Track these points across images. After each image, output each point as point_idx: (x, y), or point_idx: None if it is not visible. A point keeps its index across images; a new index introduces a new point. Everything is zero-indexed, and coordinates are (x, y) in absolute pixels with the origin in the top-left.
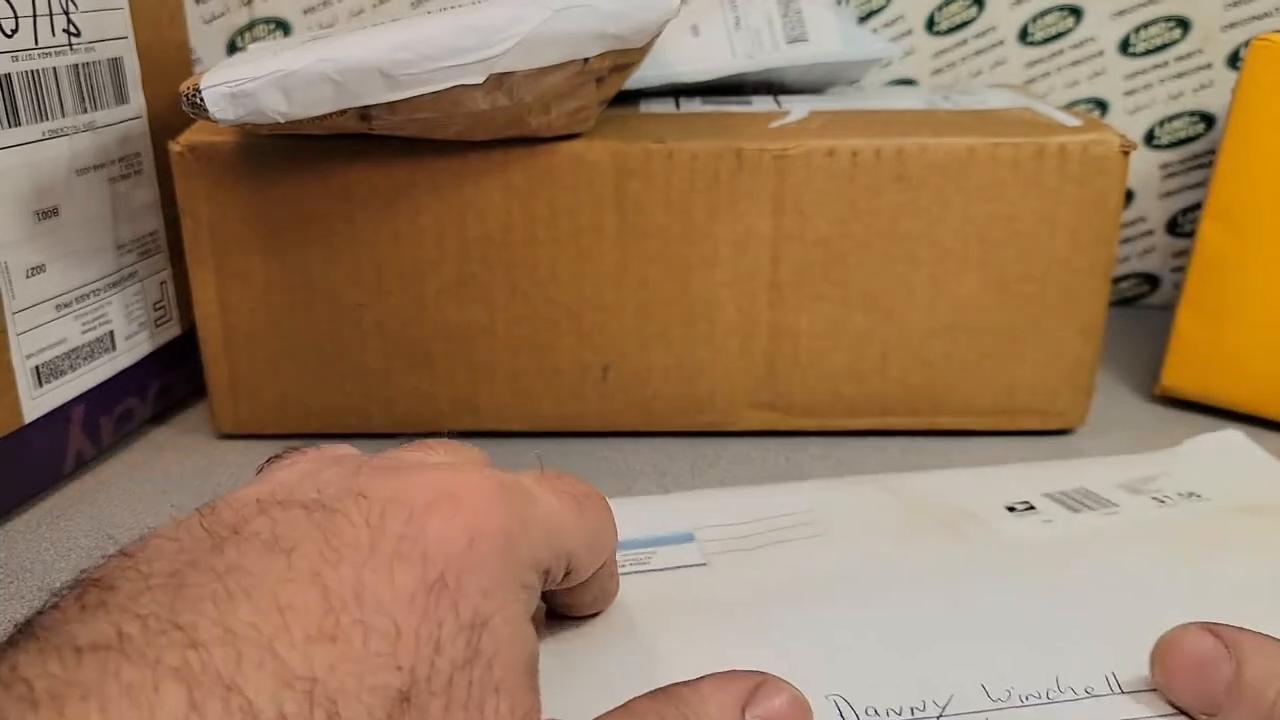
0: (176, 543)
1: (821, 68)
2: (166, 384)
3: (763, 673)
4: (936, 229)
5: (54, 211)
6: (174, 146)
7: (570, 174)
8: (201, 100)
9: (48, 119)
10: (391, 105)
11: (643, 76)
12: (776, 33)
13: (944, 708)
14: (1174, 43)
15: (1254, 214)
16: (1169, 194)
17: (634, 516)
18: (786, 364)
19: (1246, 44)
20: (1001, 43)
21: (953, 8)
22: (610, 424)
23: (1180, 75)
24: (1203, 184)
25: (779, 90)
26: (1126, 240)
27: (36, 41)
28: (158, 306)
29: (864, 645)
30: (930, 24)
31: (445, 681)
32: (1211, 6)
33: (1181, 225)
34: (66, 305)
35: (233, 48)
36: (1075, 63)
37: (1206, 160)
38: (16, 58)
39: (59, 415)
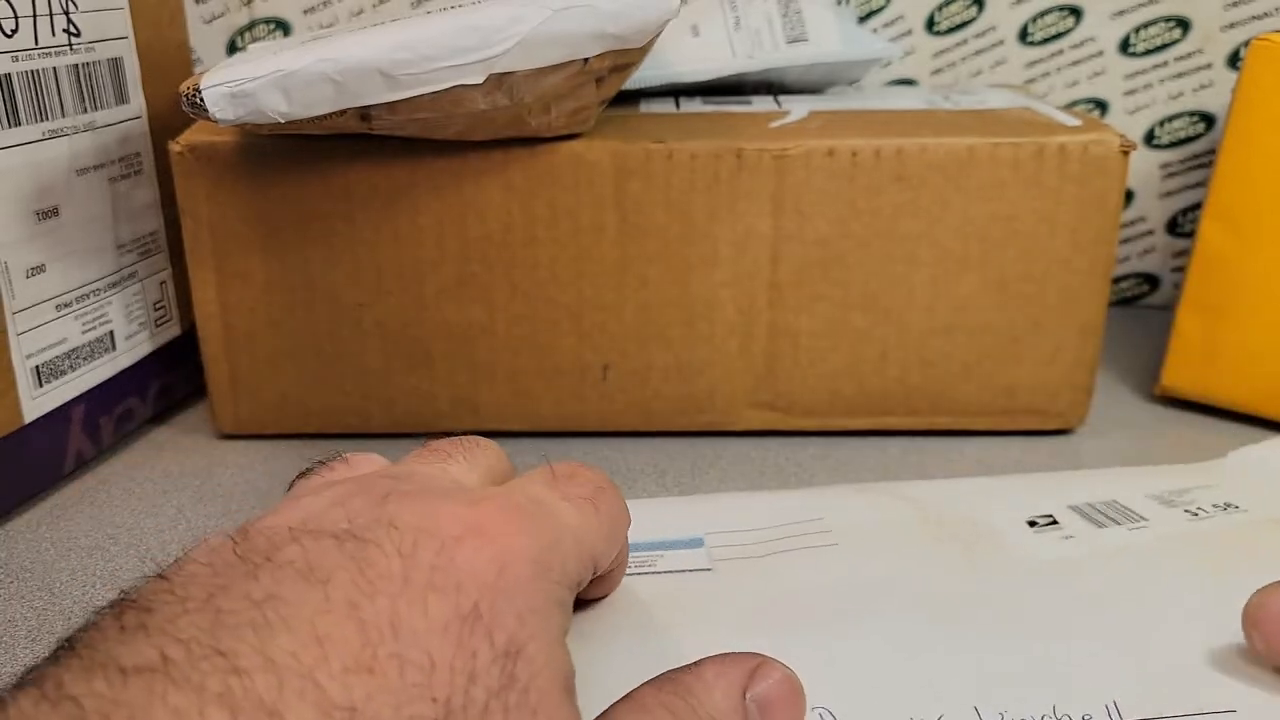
0: (210, 568)
1: (821, 68)
2: (166, 384)
3: (758, 654)
4: (936, 229)
5: (54, 211)
6: (174, 146)
7: (570, 174)
8: (201, 100)
9: (48, 119)
10: (391, 105)
11: (643, 76)
12: (776, 33)
13: None
14: (1174, 43)
15: (1254, 214)
16: (1169, 194)
17: (646, 518)
18: (786, 364)
19: (1246, 44)
20: (1001, 43)
21: (953, 8)
22: (610, 424)
23: (1180, 75)
24: (1203, 184)
25: (779, 90)
26: (1126, 240)
27: (36, 41)
28: (158, 306)
29: (858, 659)
30: (930, 24)
31: (481, 709)
32: (1211, 6)
33: (1181, 225)
34: (67, 305)
35: (233, 48)
36: (1075, 63)
37: (1206, 160)
38: (16, 58)
39: (59, 415)
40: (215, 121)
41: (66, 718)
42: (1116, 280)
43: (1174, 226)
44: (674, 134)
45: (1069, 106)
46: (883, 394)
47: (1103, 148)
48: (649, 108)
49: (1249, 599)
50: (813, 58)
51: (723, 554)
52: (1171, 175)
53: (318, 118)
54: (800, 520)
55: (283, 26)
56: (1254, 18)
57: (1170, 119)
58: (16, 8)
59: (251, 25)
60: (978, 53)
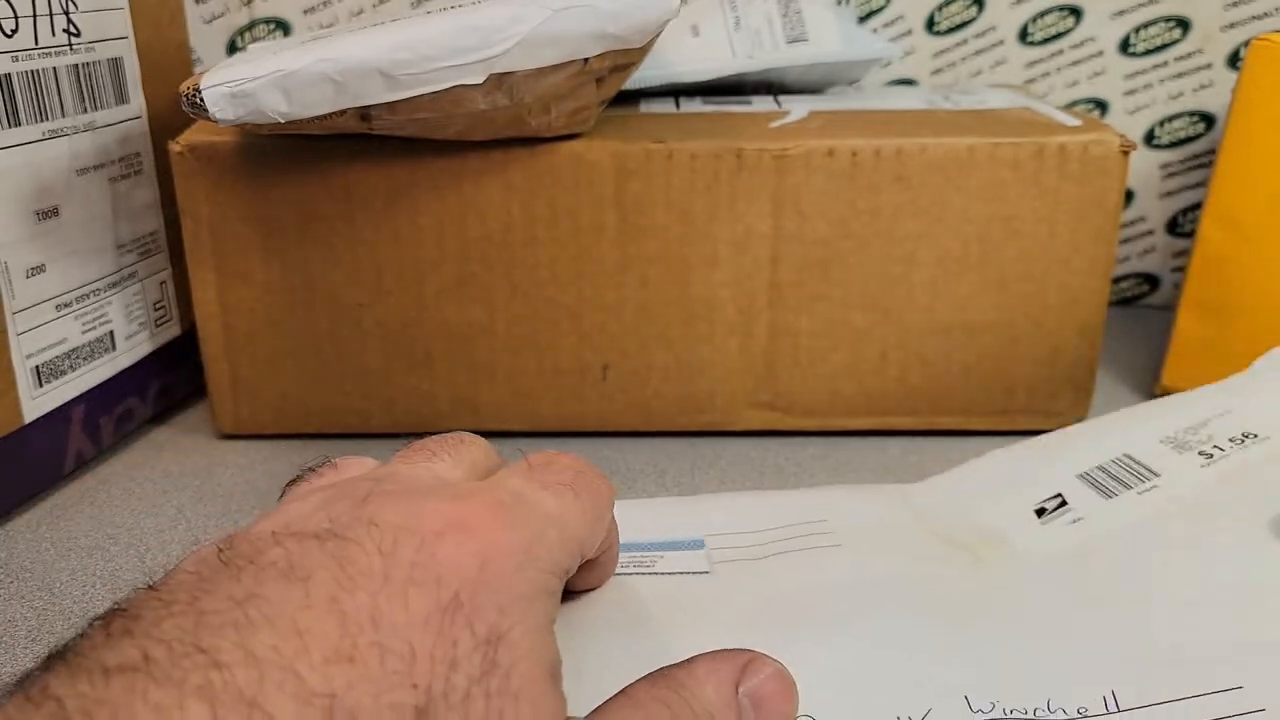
0: (196, 575)
1: (821, 68)
2: (166, 384)
3: (750, 650)
4: (936, 229)
5: (54, 211)
6: (174, 146)
7: (570, 174)
8: (201, 100)
9: (48, 119)
10: (391, 105)
11: (643, 76)
12: (776, 33)
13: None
14: (1174, 43)
15: (1254, 214)
16: (1169, 194)
17: (646, 519)
18: (786, 363)
19: (1246, 44)
20: (1001, 43)
21: (953, 8)
22: (610, 424)
23: (1180, 75)
24: (1203, 184)
25: (779, 90)
26: (1126, 240)
27: (37, 41)
28: (158, 306)
29: (849, 660)
30: (930, 24)
31: (462, 696)
32: (1211, 6)
33: (1181, 225)
34: (67, 305)
35: (233, 48)
36: (1075, 63)
37: (1206, 160)
38: (16, 58)
39: (59, 415)
40: (215, 121)
41: (49, 716)
42: (1116, 280)
43: (1174, 226)
44: (674, 134)
45: (1069, 106)
46: (882, 394)
47: (1103, 148)
48: (649, 108)
49: None
50: (813, 58)
51: (723, 555)
52: (1171, 175)
53: (318, 118)
54: (803, 521)
55: (283, 26)
56: (1254, 18)
57: (1170, 119)
58: (16, 8)
59: (251, 25)
60: (978, 53)
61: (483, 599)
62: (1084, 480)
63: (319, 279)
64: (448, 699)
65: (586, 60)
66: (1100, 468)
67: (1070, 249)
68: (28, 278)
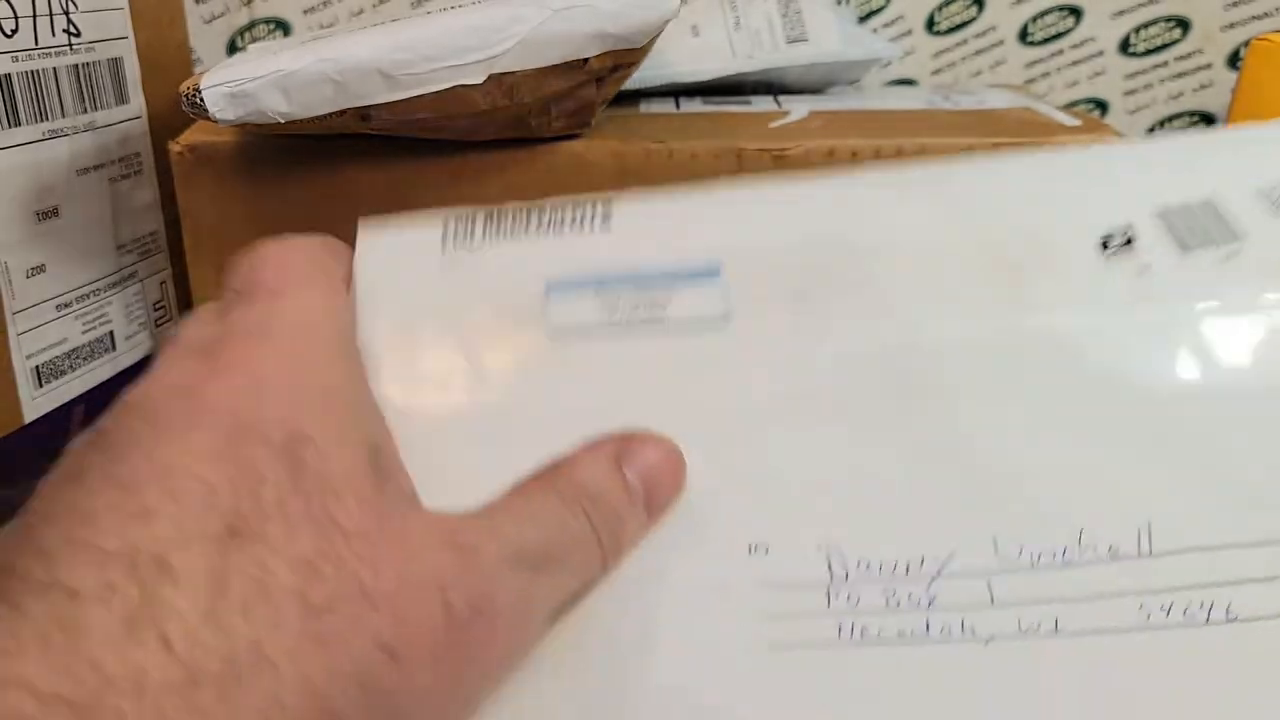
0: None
1: (821, 68)
2: None
3: (633, 430)
4: None
5: (54, 212)
6: (174, 146)
7: (570, 174)
8: (201, 100)
9: (48, 119)
10: (391, 105)
11: (643, 76)
12: (776, 33)
13: (943, 565)
14: (1174, 43)
15: None
16: None
17: (652, 232)
18: None
19: (1246, 44)
20: (1001, 43)
21: (953, 8)
22: None
23: (1180, 75)
24: None
25: (779, 90)
26: None
27: (36, 42)
28: (158, 306)
29: (874, 478)
30: (930, 24)
31: (275, 504)
32: (1211, 6)
33: None
34: (67, 305)
35: (233, 48)
36: (1075, 63)
37: None
38: (16, 58)
39: (59, 415)
40: (215, 121)
41: None
42: None
43: None
44: (674, 134)
45: (1069, 106)
46: None
47: None
48: (649, 108)
49: None
50: (813, 58)
51: (741, 290)
52: None
53: (318, 118)
54: (830, 240)
55: (283, 26)
56: (1254, 18)
57: (1170, 119)
58: (16, 8)
59: (251, 25)
60: (978, 53)
61: (268, 410)
62: (1160, 221)
63: None
64: (260, 511)
65: (586, 60)
66: (1182, 206)
67: None
68: (28, 278)
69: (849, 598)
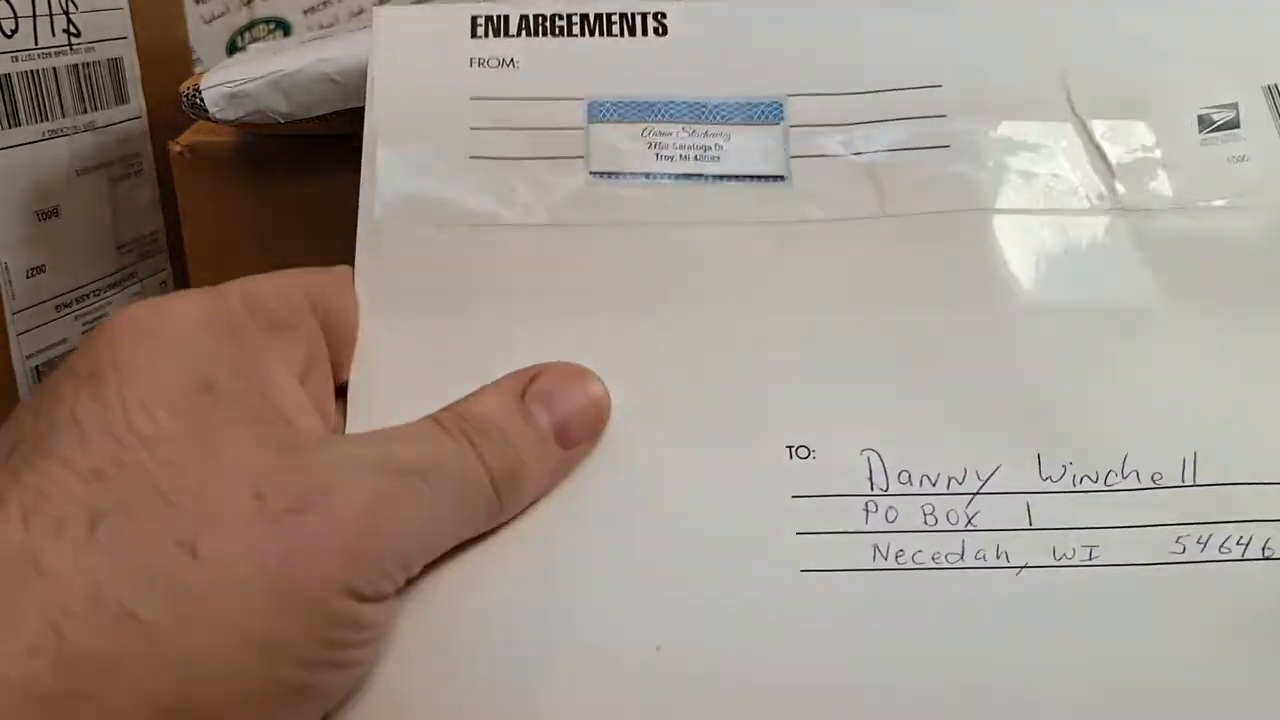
0: None
1: None
2: None
3: (548, 365)
4: None
5: (54, 212)
6: (174, 147)
7: None
8: (201, 100)
9: (48, 119)
10: None
11: None
12: None
13: (984, 481)
14: None
15: None
16: None
17: (713, 52)
18: None
19: None
20: None
21: None
22: None
23: None
24: None
25: None
26: None
27: (36, 42)
28: None
29: (923, 385)
30: None
31: (69, 419)
32: None
33: None
34: (67, 305)
35: (233, 48)
36: None
37: None
38: (16, 58)
39: None
40: (215, 122)
41: None
42: None
43: None
44: None
45: None
46: None
47: None
48: None
49: None
50: None
51: (802, 143)
52: None
53: (318, 118)
54: (910, 86)
55: (283, 26)
56: None
57: None
58: (16, 8)
59: (252, 25)
60: None
61: (84, 350)
62: (1267, 97)
63: None
64: (55, 426)
65: None
66: None
67: None
68: (28, 278)
69: (887, 514)
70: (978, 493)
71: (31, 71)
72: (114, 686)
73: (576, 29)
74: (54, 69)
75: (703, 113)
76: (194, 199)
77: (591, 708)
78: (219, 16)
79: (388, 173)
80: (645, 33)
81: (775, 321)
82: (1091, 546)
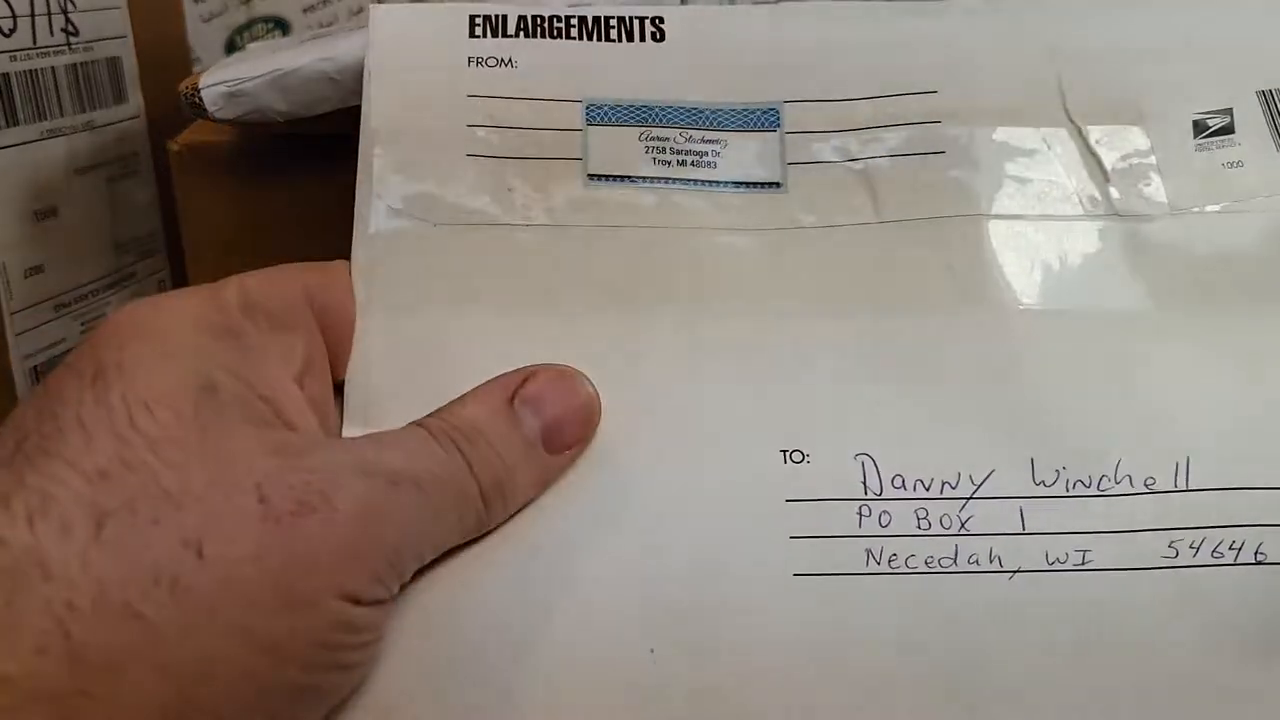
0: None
1: None
2: None
3: (537, 366)
4: None
5: (52, 211)
6: (173, 146)
7: None
8: (200, 99)
9: (46, 119)
10: None
11: None
12: None
13: (978, 486)
14: None
15: None
16: None
17: (700, 57)
18: None
19: None
20: None
21: None
22: None
23: None
24: None
25: None
26: None
27: (34, 41)
28: None
29: (913, 391)
30: None
31: (74, 420)
32: None
33: None
34: (65, 305)
35: (231, 46)
36: None
37: None
38: (14, 57)
39: None
40: (214, 121)
41: None
42: None
43: None
44: None
45: None
46: None
47: None
48: None
49: None
50: None
51: (798, 149)
52: None
53: (317, 117)
54: (906, 94)
55: (282, 25)
56: None
57: None
58: (15, 7)
59: (250, 24)
60: None
61: (85, 350)
62: (1262, 103)
63: None
64: (59, 427)
65: None
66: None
67: None
68: (26, 278)
69: (880, 518)
70: (971, 497)
71: (30, 71)
72: (120, 686)
73: (575, 32)
74: (52, 68)
75: (700, 118)
76: (192, 198)
77: (583, 711)
78: (217, 15)
79: (384, 170)
80: (643, 38)
81: (770, 326)
82: (1084, 551)
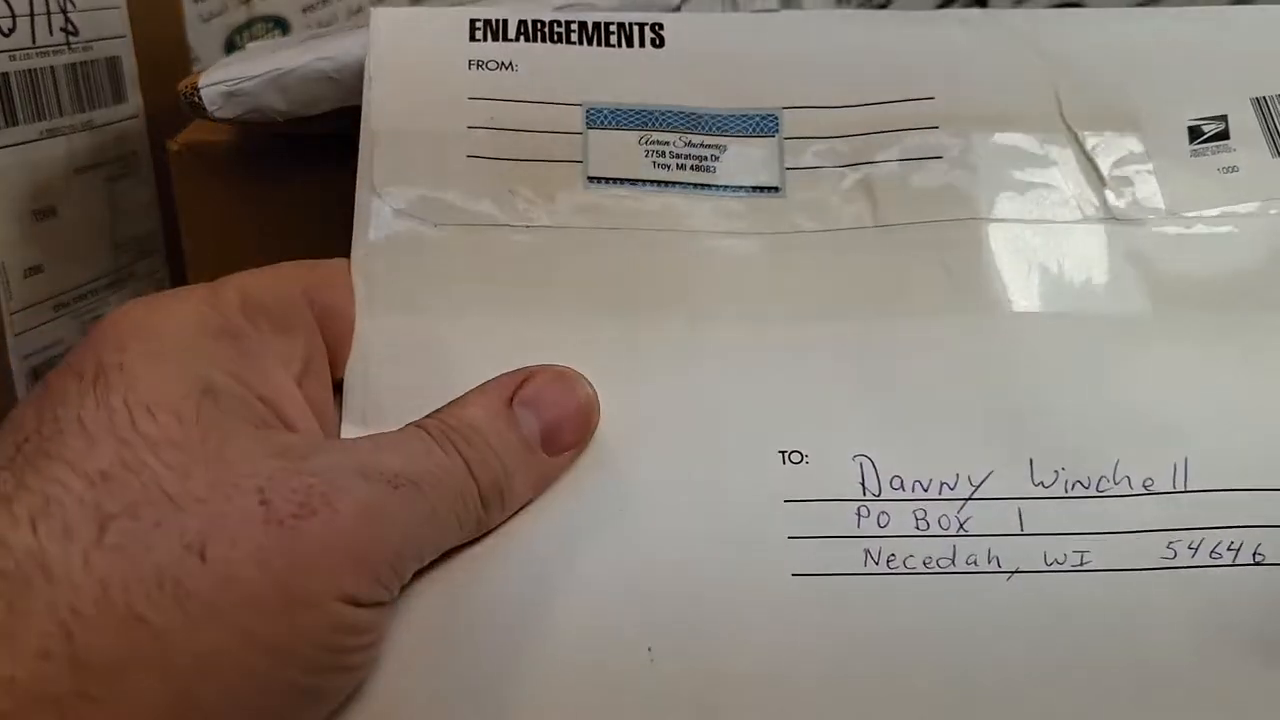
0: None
1: None
2: None
3: (536, 367)
4: None
5: (52, 211)
6: (172, 146)
7: None
8: (199, 99)
9: (45, 118)
10: None
11: None
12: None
13: (976, 487)
14: None
15: None
16: None
17: (711, 64)
18: None
19: None
20: None
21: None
22: None
23: None
24: None
25: None
26: None
27: (34, 40)
28: None
29: (912, 392)
30: None
31: (75, 421)
32: None
33: None
34: (65, 305)
35: (231, 46)
36: None
37: None
38: (14, 57)
39: None
40: (213, 120)
41: None
42: None
43: None
44: None
45: None
46: None
47: None
48: None
49: None
50: None
51: (798, 155)
52: None
53: (316, 116)
54: (904, 100)
55: (281, 25)
56: None
57: None
58: (14, 6)
59: (250, 23)
60: None
61: (87, 350)
62: (1256, 110)
63: None
64: (60, 429)
65: None
66: (1278, 96)
67: None
68: (25, 278)
69: (879, 519)
70: (970, 498)
71: (29, 70)
72: (122, 689)
73: (575, 37)
74: (51, 68)
75: (699, 123)
76: (192, 198)
77: (582, 711)
78: (217, 15)
79: (384, 171)
80: (642, 44)
81: (768, 328)
82: (1083, 552)
